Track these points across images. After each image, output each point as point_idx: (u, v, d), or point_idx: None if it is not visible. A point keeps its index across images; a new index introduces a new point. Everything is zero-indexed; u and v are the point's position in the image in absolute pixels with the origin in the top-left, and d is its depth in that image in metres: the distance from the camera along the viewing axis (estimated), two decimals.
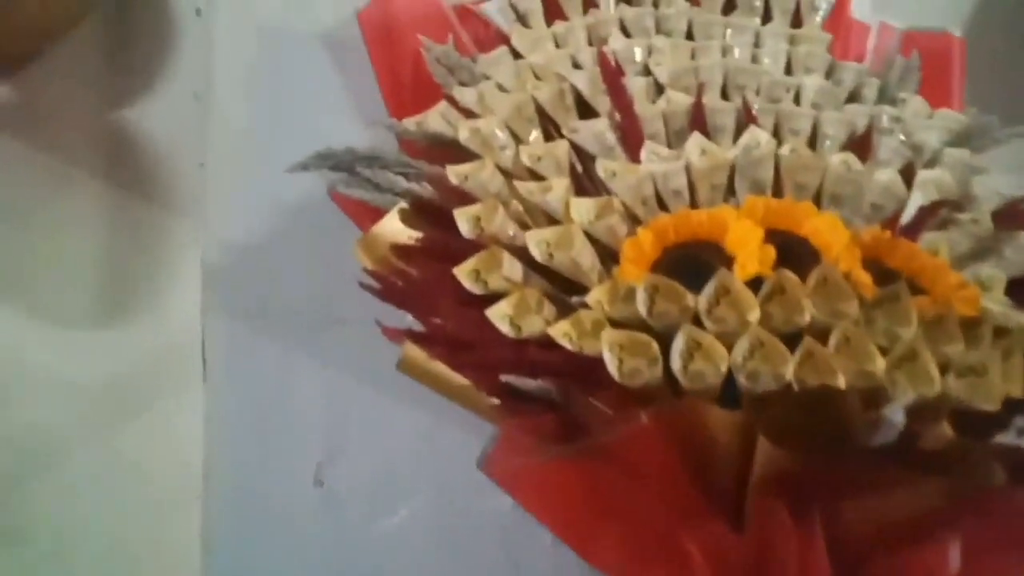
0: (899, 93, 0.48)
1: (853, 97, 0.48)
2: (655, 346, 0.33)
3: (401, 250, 0.38)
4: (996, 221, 0.41)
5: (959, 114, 0.48)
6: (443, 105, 0.44)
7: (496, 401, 0.33)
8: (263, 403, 0.43)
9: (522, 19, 0.49)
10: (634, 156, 0.41)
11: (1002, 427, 0.33)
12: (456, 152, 0.42)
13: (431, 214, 0.39)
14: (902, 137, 0.46)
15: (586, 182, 0.41)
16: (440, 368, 0.33)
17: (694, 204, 0.41)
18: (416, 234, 0.38)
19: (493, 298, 0.36)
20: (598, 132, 0.42)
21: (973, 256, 0.40)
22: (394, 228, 0.38)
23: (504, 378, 0.32)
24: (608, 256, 0.38)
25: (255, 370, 0.44)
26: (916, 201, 0.41)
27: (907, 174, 0.43)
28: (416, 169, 0.41)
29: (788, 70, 0.48)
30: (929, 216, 0.40)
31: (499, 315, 0.35)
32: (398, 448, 0.39)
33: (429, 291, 0.36)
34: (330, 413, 0.42)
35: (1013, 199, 0.42)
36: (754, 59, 0.48)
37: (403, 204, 0.39)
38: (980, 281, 0.39)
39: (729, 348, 0.33)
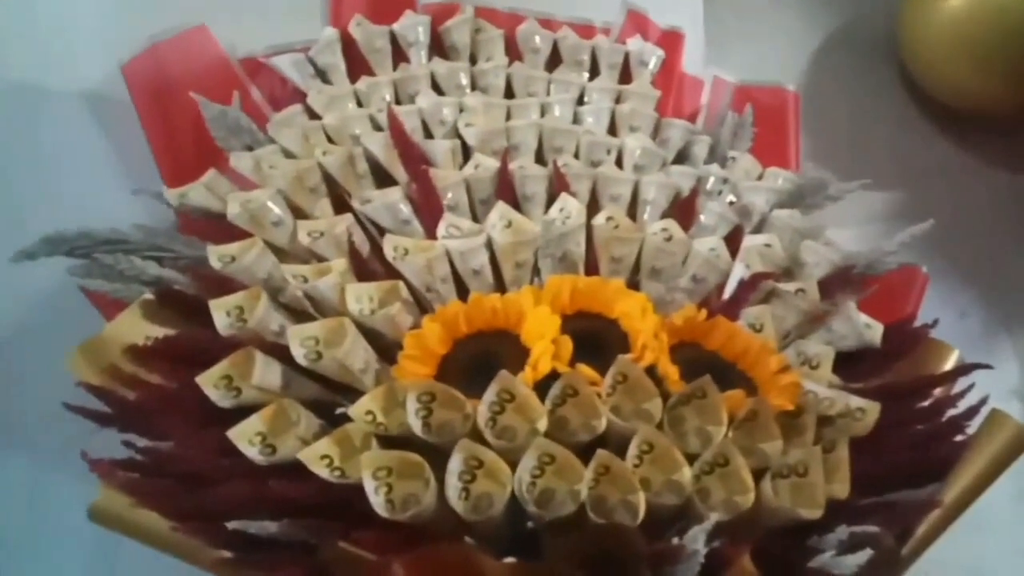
0: (730, 151, 0.46)
1: (681, 157, 0.45)
2: (428, 468, 0.28)
3: (137, 353, 0.31)
4: (824, 290, 0.38)
5: (790, 173, 0.46)
6: (211, 174, 0.38)
7: (225, 554, 0.27)
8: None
9: (321, 74, 0.44)
10: (432, 231, 0.37)
11: (823, 532, 0.29)
12: (235, 230, 0.36)
13: (183, 307, 0.33)
14: (731, 199, 0.43)
15: (375, 264, 0.36)
16: (148, 515, 0.27)
17: (499, 285, 0.36)
18: (157, 333, 0.31)
19: (246, 413, 0.30)
20: (391, 203, 0.37)
21: (799, 331, 0.37)
22: (132, 326, 0.32)
23: (233, 526, 0.26)
24: (395, 354, 0.33)
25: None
26: (739, 272, 0.38)
27: (733, 240, 0.40)
28: (173, 252, 0.35)
29: (612, 129, 0.45)
30: (751, 289, 0.37)
31: (245, 436, 0.28)
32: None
33: (163, 407, 0.29)
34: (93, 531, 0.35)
35: (842, 266, 0.40)
36: (576, 118, 0.44)
37: (148, 295, 0.33)
38: (807, 359, 0.36)
39: (515, 466, 0.28)
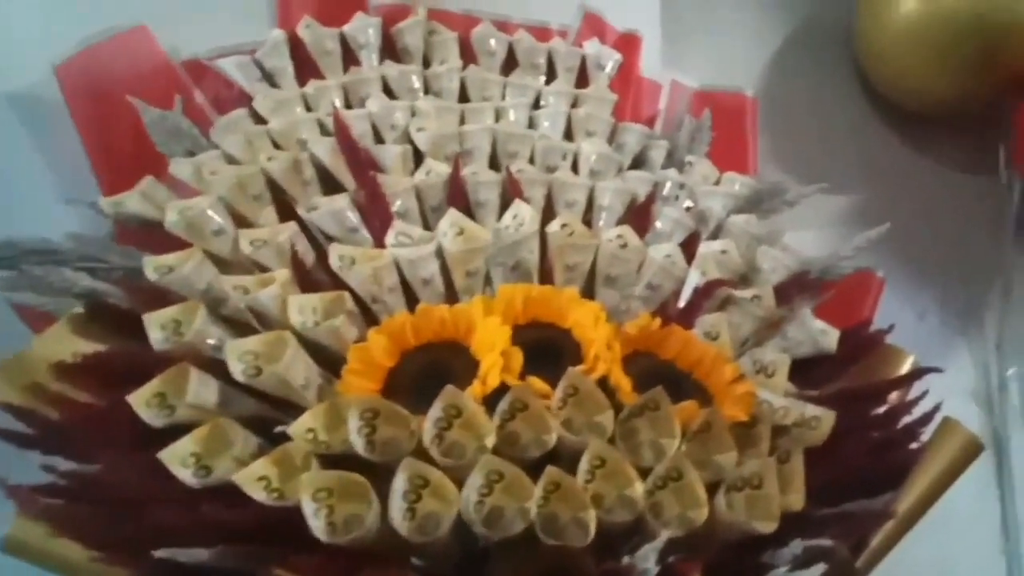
0: (687, 156, 0.46)
1: (638, 162, 0.44)
2: (371, 489, 0.26)
3: (64, 370, 0.29)
4: (779, 296, 0.38)
5: (747, 177, 0.45)
6: (148, 181, 0.36)
7: None
8: None
9: (268, 78, 0.43)
10: (380, 239, 0.35)
11: (778, 546, 0.28)
12: (174, 240, 0.35)
13: (116, 321, 0.31)
14: (688, 204, 0.42)
15: (321, 274, 0.34)
16: (67, 545, 0.25)
17: (450, 294, 0.35)
18: (87, 349, 0.30)
19: (181, 433, 0.28)
20: (337, 210, 0.36)
21: (756, 338, 0.37)
22: (60, 342, 0.30)
23: (161, 554, 0.24)
24: (339, 368, 0.31)
25: None
26: (695, 279, 0.37)
27: (690, 247, 0.39)
28: (106, 264, 0.34)
29: (568, 134, 0.44)
30: (706, 297, 0.36)
31: (178, 457, 0.27)
32: None
33: (91, 427, 0.28)
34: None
35: (798, 272, 0.39)
36: (531, 123, 0.43)
37: (78, 309, 0.31)
38: (763, 367, 0.35)
39: (463, 484, 0.27)
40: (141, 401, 0.28)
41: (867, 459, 0.33)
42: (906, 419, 0.35)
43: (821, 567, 0.27)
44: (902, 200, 0.56)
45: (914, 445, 0.33)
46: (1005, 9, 0.49)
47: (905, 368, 0.38)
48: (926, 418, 0.34)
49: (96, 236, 0.36)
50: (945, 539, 0.39)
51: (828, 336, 0.37)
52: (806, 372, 0.36)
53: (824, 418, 0.33)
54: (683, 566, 0.26)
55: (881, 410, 0.35)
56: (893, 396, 0.37)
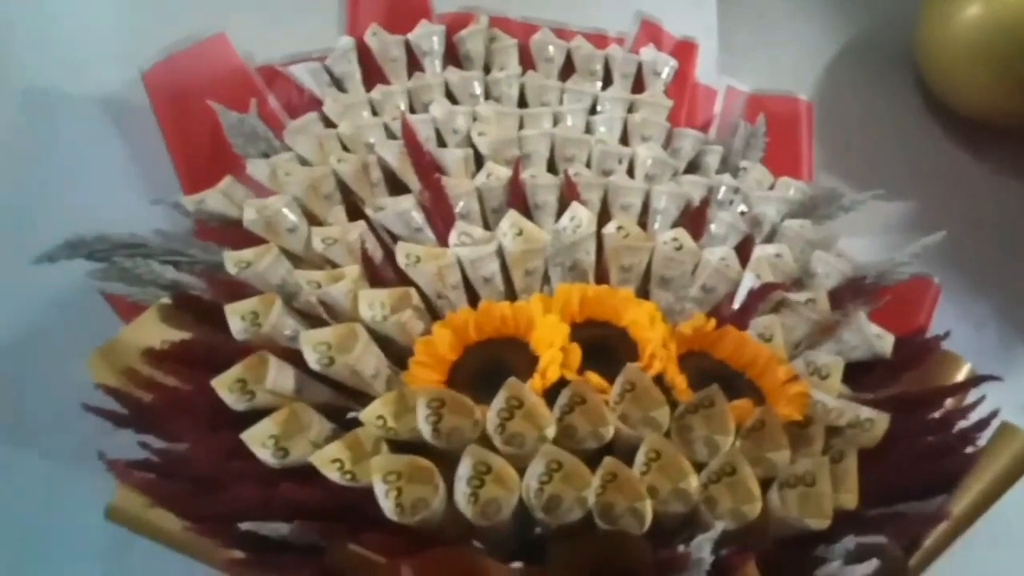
0: (742, 161, 0.46)
1: (693, 167, 0.45)
2: (437, 473, 0.28)
3: (153, 357, 0.32)
4: (834, 300, 0.38)
5: (801, 183, 0.46)
6: (228, 181, 0.39)
7: (237, 554, 0.27)
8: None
9: (337, 83, 0.45)
10: (444, 239, 0.37)
11: (830, 542, 0.29)
12: (250, 236, 0.37)
13: (199, 312, 0.33)
14: (742, 209, 0.43)
15: (388, 271, 0.36)
16: (162, 515, 0.27)
17: (510, 292, 0.37)
18: (174, 336, 0.32)
19: (259, 417, 0.30)
20: (403, 211, 0.37)
21: (809, 341, 0.37)
22: (149, 330, 0.33)
23: (246, 527, 0.26)
24: (406, 359, 0.33)
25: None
26: (749, 282, 0.38)
27: (744, 250, 0.40)
28: (189, 258, 0.36)
29: (624, 139, 0.45)
30: (761, 299, 0.37)
31: (258, 439, 0.29)
32: None
33: (178, 410, 0.30)
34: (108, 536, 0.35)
35: (852, 277, 0.40)
36: (588, 127, 0.45)
37: (165, 299, 0.34)
38: (817, 368, 0.36)
39: (523, 472, 0.28)
40: (224, 386, 0.30)
41: (921, 462, 0.33)
42: (961, 424, 0.35)
43: (873, 564, 0.28)
44: (958, 209, 0.55)
45: (969, 450, 0.34)
46: None
47: (961, 375, 0.38)
48: (982, 424, 0.34)
49: (179, 233, 0.39)
50: (999, 552, 0.39)
51: (883, 341, 0.37)
52: (861, 376, 0.36)
53: (878, 420, 0.33)
54: (736, 558, 0.26)
55: (936, 415, 0.36)
56: (949, 402, 0.37)
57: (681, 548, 0.26)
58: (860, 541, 0.28)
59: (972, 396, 0.37)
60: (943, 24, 0.54)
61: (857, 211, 0.46)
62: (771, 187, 0.45)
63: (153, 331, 0.32)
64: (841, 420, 0.33)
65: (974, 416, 0.35)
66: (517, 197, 0.39)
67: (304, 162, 0.40)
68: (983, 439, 0.34)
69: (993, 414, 0.35)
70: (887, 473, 0.32)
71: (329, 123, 0.43)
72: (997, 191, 0.56)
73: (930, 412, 0.36)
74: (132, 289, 0.34)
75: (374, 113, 0.44)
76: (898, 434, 0.34)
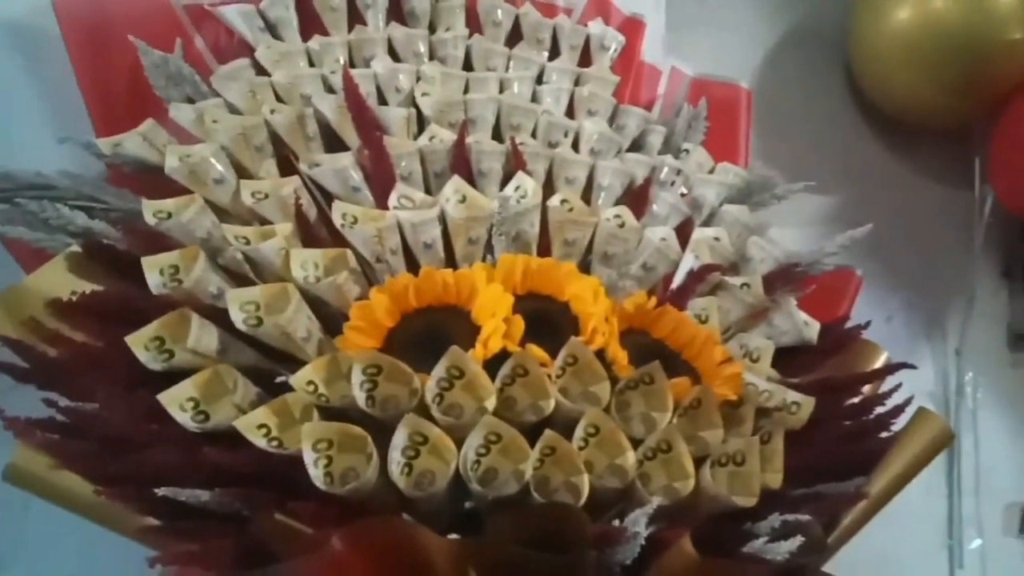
0: (684, 143, 0.46)
1: (636, 145, 0.45)
2: (371, 442, 0.27)
3: (60, 308, 0.29)
4: (767, 285, 0.39)
5: (740, 169, 0.46)
6: (149, 124, 0.36)
7: (152, 521, 0.25)
8: None
9: (272, 29, 0.42)
10: (383, 200, 0.35)
11: (757, 520, 0.30)
12: (170, 185, 0.34)
13: (113, 262, 0.31)
14: (683, 190, 0.43)
15: (322, 230, 0.34)
16: (71, 478, 0.25)
17: (450, 260, 0.35)
18: (83, 288, 0.29)
19: (177, 377, 0.28)
20: (340, 169, 0.35)
21: (742, 324, 0.38)
22: (56, 279, 0.30)
23: (163, 492, 0.24)
24: (339, 324, 0.31)
25: None
26: (688, 263, 0.38)
27: (684, 231, 0.40)
28: (103, 204, 0.33)
29: (570, 111, 0.44)
30: (699, 280, 0.37)
31: (176, 401, 0.27)
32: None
33: (88, 366, 0.27)
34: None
35: (785, 264, 0.41)
36: (535, 97, 0.44)
37: (75, 247, 0.31)
38: (749, 352, 0.37)
39: (460, 443, 0.27)
40: (139, 343, 0.28)
41: (841, 445, 0.34)
42: (879, 410, 0.36)
43: (797, 540, 0.28)
44: (880, 205, 0.57)
45: (885, 434, 0.35)
46: (996, 29, 0.51)
47: (879, 364, 0.40)
48: (897, 410, 0.36)
49: (90, 176, 0.36)
50: (893, 533, 0.41)
51: (811, 328, 0.38)
52: (788, 360, 0.37)
53: (804, 404, 0.34)
54: (670, 533, 0.26)
55: (856, 400, 0.37)
56: (867, 388, 0.38)
57: (616, 523, 0.26)
58: (785, 519, 0.29)
59: (888, 384, 0.39)
60: (874, 21, 0.55)
61: (784, 202, 0.47)
62: (711, 171, 0.45)
63: (61, 281, 0.30)
64: (770, 402, 0.34)
65: (890, 403, 0.37)
66: (461, 162, 0.37)
67: (234, 110, 0.38)
68: (897, 424, 0.36)
69: (907, 401, 0.36)
70: (810, 454, 0.33)
71: (261, 71, 0.40)
72: (915, 189, 0.59)
73: (850, 397, 0.37)
74: (38, 234, 0.31)
75: (311, 64, 0.41)
76: (821, 417, 0.35)
